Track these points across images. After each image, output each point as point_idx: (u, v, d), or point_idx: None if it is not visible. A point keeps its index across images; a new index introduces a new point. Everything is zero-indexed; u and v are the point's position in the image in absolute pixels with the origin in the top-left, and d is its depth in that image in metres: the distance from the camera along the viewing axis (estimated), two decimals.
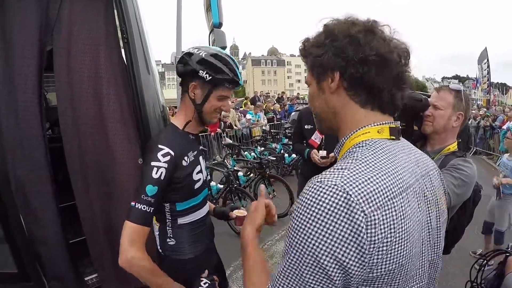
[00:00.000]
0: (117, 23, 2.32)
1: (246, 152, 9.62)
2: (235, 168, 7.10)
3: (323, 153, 3.44)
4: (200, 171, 1.77)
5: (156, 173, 1.51)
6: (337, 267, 0.74)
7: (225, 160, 8.11)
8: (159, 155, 1.54)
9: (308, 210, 0.77)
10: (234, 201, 5.84)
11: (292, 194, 5.95)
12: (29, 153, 2.15)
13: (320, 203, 0.75)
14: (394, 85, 0.91)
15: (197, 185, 1.74)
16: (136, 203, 1.50)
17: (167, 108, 3.02)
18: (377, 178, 0.78)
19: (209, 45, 2.93)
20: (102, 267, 2.44)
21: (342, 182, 0.76)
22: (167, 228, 1.76)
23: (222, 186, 6.54)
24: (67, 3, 2.24)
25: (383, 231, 0.75)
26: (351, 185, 0.75)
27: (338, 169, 0.81)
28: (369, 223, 0.74)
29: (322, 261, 0.75)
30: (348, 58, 0.88)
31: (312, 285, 0.77)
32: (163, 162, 1.53)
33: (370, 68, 0.87)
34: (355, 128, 0.93)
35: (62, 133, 2.28)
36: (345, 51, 0.88)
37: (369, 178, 0.78)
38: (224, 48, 2.79)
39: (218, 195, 6.48)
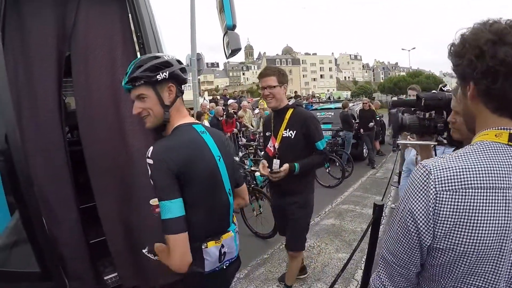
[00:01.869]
0: (132, 28, 2.37)
1: (263, 152, 9.50)
2: (252, 168, 7.10)
3: (276, 163, 3.01)
4: None
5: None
6: (411, 219, 0.95)
7: (243, 160, 8.10)
8: None
9: (407, 182, 1.02)
10: (252, 202, 5.82)
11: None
12: (50, 156, 2.22)
13: (412, 176, 0.99)
14: None
15: None
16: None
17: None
18: (459, 168, 0.91)
19: (224, 47, 2.96)
20: (122, 266, 2.49)
21: (431, 164, 0.95)
22: None
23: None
24: (83, 12, 2.32)
25: (447, 210, 0.90)
26: (436, 167, 0.93)
27: (440, 157, 0.99)
28: (438, 198, 0.91)
29: (403, 213, 0.98)
30: (477, 70, 0.91)
31: (399, 235, 1.00)
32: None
33: (496, 79, 0.88)
34: (479, 130, 1.00)
35: (82, 136, 2.34)
36: (474, 63, 0.91)
37: (453, 166, 0.92)
38: (238, 50, 2.82)
39: None
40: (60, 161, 2.29)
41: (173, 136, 1.62)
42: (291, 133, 2.97)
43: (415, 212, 0.94)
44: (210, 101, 15.32)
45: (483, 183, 0.88)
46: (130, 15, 2.40)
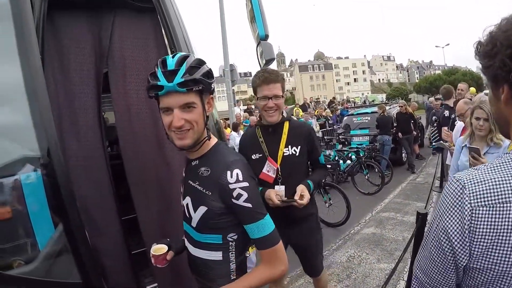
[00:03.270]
0: (167, 43, 2.42)
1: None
2: None
3: (280, 189, 2.43)
4: (182, 194, 1.64)
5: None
6: (445, 238, 0.89)
7: None
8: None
9: (440, 197, 0.96)
10: (323, 195, 5.86)
11: (348, 202, 5.75)
12: (92, 170, 2.30)
13: (445, 191, 0.93)
14: None
15: None
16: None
17: (221, 121, 3.09)
18: (497, 181, 0.84)
19: (258, 57, 2.97)
20: (163, 277, 2.52)
21: (466, 178, 0.88)
22: None
23: None
24: (117, 30, 2.41)
25: (485, 226, 0.83)
26: (470, 180, 0.87)
27: (474, 169, 0.93)
28: (473, 214, 0.84)
29: (437, 231, 0.92)
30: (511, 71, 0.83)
31: (433, 254, 0.94)
32: None
33: None
34: None
35: (122, 151, 2.40)
36: (508, 65, 0.83)
37: (489, 179, 0.85)
38: (272, 59, 2.79)
39: None
40: (102, 174, 2.36)
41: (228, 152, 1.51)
42: (294, 150, 2.46)
43: (449, 231, 0.88)
44: (245, 110, 15.49)
45: None
46: (163, 29, 2.45)
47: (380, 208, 6.79)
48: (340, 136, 11.16)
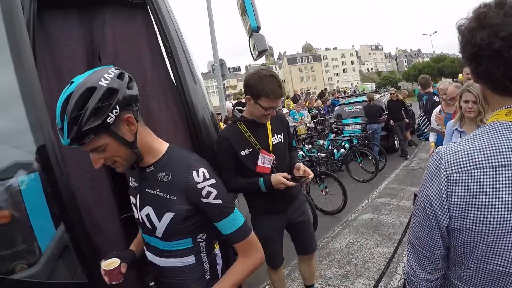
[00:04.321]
0: (159, 38, 2.41)
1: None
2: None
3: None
4: (134, 207, 1.54)
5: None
6: (428, 204, 1.00)
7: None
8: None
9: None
10: (319, 184, 5.97)
11: (345, 190, 5.81)
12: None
13: (428, 163, 1.04)
14: None
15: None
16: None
17: (216, 114, 3.09)
18: (468, 150, 0.94)
19: (250, 49, 2.97)
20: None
21: (443, 150, 1.00)
22: None
23: None
24: (109, 27, 2.39)
25: (459, 191, 0.93)
26: (446, 152, 0.98)
27: (452, 142, 1.04)
28: (449, 181, 0.95)
29: (421, 199, 1.04)
30: (464, 56, 0.98)
31: (420, 219, 1.05)
32: None
33: (479, 63, 0.93)
34: (492, 111, 1.02)
35: None
36: (463, 51, 0.98)
37: (462, 149, 0.95)
38: (265, 50, 2.81)
39: None
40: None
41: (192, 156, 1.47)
42: (280, 138, 2.58)
43: (430, 197, 0.99)
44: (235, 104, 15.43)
45: (491, 162, 0.89)
46: (155, 25, 2.44)
47: (376, 194, 6.87)
48: (333, 126, 11.18)
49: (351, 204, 5.99)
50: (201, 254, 1.50)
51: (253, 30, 2.80)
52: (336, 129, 10.94)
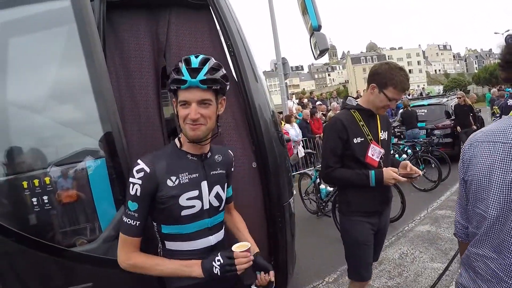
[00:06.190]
0: (222, 38, 2.48)
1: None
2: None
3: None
4: (197, 198, 1.58)
5: (132, 189, 1.48)
6: (461, 164, 1.38)
7: None
8: (134, 170, 1.50)
9: None
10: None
11: (404, 198, 5.53)
12: None
13: None
14: None
15: (185, 212, 1.55)
16: (123, 216, 1.51)
17: (277, 113, 3.11)
18: (481, 131, 1.33)
19: (311, 48, 2.95)
20: None
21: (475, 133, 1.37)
22: (159, 249, 1.67)
23: (331, 189, 6.29)
24: (173, 26, 2.50)
25: (467, 154, 1.32)
26: (474, 134, 1.37)
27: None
28: (463, 149, 1.36)
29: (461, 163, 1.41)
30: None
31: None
32: (137, 179, 1.48)
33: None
34: None
35: None
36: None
37: (482, 130, 1.33)
38: (327, 49, 2.77)
39: (327, 198, 6.40)
40: None
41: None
42: (385, 135, 2.53)
43: (461, 161, 1.37)
44: (298, 104, 15.48)
45: (485, 138, 1.26)
46: (217, 24, 2.51)
47: (436, 205, 6.53)
48: (396, 130, 10.72)
49: (409, 213, 5.72)
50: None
51: (314, 29, 2.78)
52: (399, 133, 10.50)
